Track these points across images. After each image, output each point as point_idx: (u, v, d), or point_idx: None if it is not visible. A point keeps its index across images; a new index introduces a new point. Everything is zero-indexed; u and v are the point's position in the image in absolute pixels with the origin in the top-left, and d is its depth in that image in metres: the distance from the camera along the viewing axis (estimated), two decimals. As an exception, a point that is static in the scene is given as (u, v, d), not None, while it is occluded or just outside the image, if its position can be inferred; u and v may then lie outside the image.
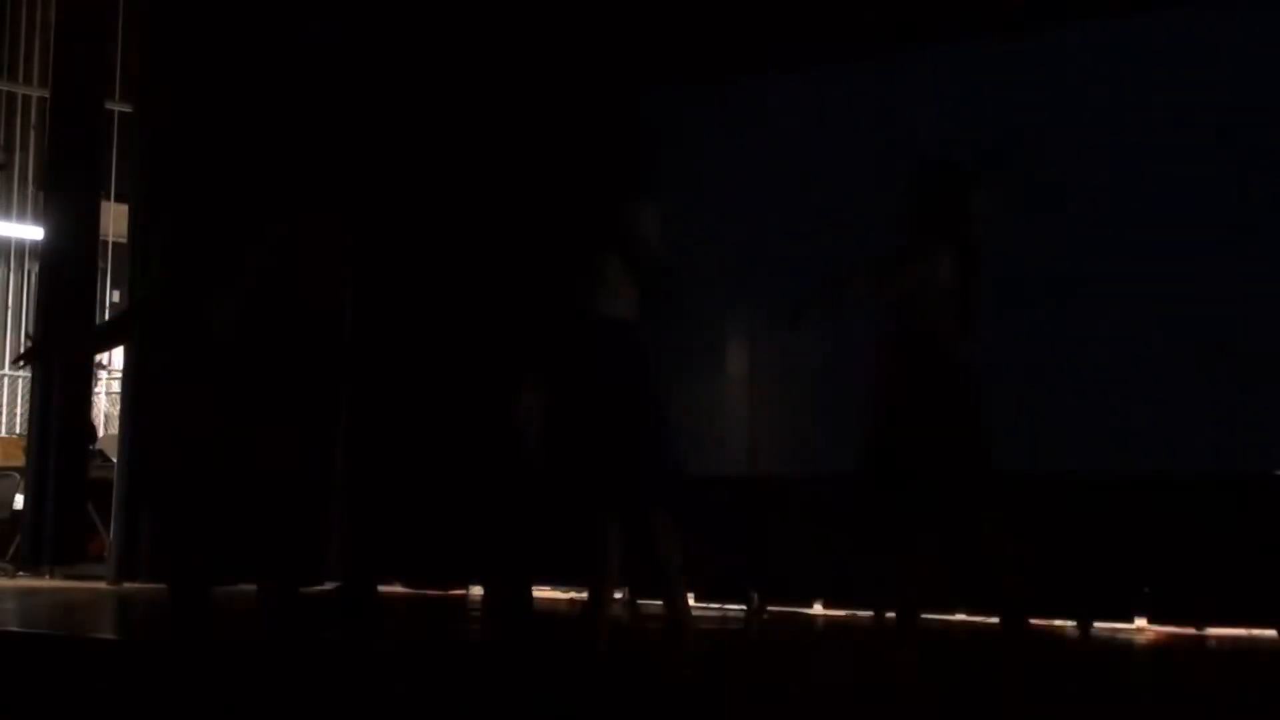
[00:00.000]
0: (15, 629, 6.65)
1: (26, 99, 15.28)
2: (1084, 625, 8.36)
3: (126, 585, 10.36)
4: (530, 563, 6.44)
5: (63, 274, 10.72)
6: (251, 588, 6.69)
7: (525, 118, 10.43)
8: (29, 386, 11.51)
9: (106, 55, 11.48)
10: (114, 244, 13.64)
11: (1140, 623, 8.44)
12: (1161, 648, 7.76)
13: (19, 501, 11.18)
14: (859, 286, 5.53)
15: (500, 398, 6.40)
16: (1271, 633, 8.05)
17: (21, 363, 6.99)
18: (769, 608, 9.35)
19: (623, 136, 5.25)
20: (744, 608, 9.33)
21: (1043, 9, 9.01)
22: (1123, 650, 7.57)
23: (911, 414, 5.56)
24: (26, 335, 7.16)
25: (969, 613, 8.56)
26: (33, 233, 14.17)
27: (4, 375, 15.07)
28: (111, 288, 14.54)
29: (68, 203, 10.81)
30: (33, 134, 15.13)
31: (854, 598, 9.30)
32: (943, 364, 5.66)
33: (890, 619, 6.12)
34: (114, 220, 12.85)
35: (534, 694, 4.94)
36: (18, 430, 13.95)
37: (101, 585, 10.40)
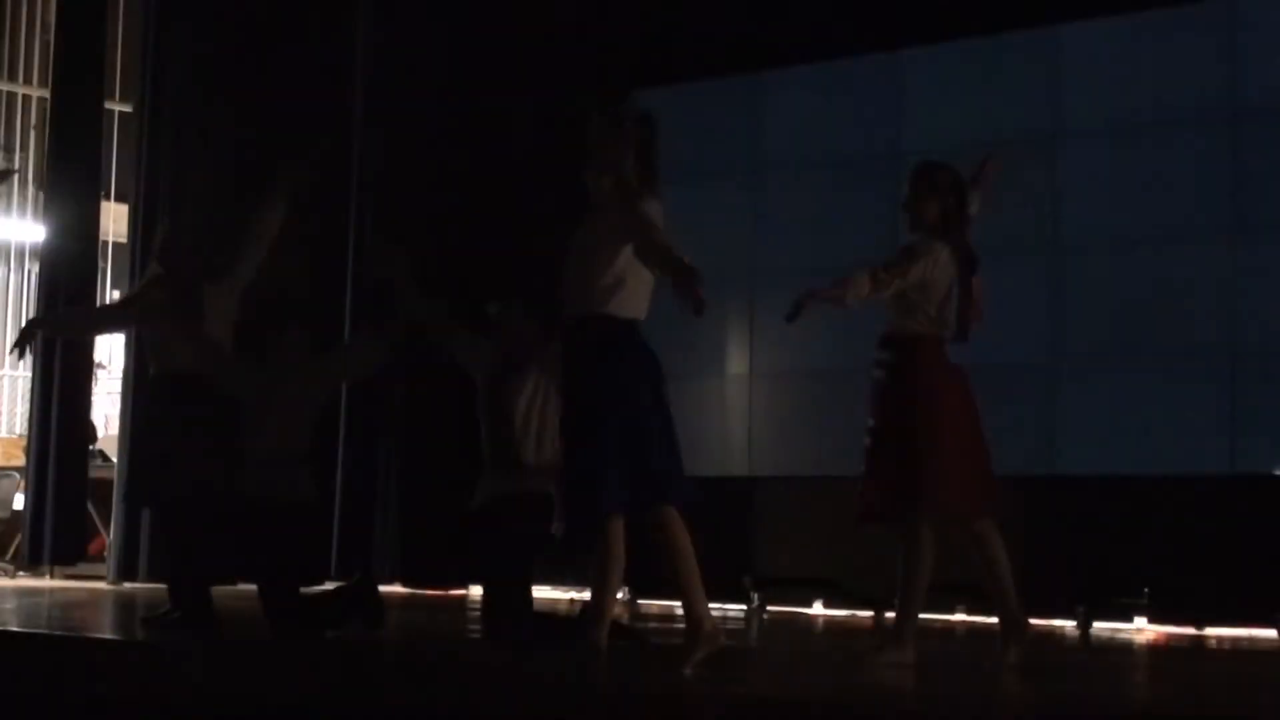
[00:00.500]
0: (15, 629, 6.64)
1: (26, 99, 15.26)
2: (1084, 625, 8.36)
3: (126, 585, 10.36)
4: (531, 563, 6.42)
5: (63, 274, 10.72)
6: (251, 588, 6.69)
7: (531, 116, 10.45)
8: (29, 386, 11.51)
9: (106, 55, 11.47)
10: (114, 244, 13.63)
11: (1140, 623, 8.44)
12: (1161, 648, 7.76)
13: (19, 501, 11.18)
14: (861, 285, 5.52)
15: (502, 397, 6.40)
16: (1271, 633, 8.05)
17: (16, 350, 6.96)
18: (769, 607, 9.35)
19: (626, 135, 5.22)
20: (744, 608, 9.34)
21: (1042, 8, 9.02)
22: (1123, 650, 7.57)
23: (905, 413, 5.55)
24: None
25: (969, 612, 8.57)
26: (33, 233, 14.16)
27: (4, 375, 15.07)
28: (111, 288, 14.53)
29: (68, 203, 10.81)
30: (33, 134, 15.12)
31: (854, 598, 9.31)
32: (939, 363, 5.66)
33: (890, 619, 6.12)
34: (114, 220, 12.84)
35: (534, 694, 4.94)
36: (18, 430, 13.94)
37: (101, 585, 10.40)
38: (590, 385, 5.12)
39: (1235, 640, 8.13)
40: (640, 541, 5.22)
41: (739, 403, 9.95)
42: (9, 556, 11.23)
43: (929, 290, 5.61)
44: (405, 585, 10.81)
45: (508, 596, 6.32)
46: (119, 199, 12.42)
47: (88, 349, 10.92)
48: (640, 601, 9.69)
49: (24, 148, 15.20)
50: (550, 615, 7.01)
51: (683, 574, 5.15)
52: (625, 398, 5.08)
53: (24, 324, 7.80)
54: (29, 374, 11.89)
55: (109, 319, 8.15)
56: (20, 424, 13.92)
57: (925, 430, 5.52)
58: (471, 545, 6.65)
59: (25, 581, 10.66)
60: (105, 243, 12.76)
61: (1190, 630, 8.34)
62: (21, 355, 6.98)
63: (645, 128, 5.23)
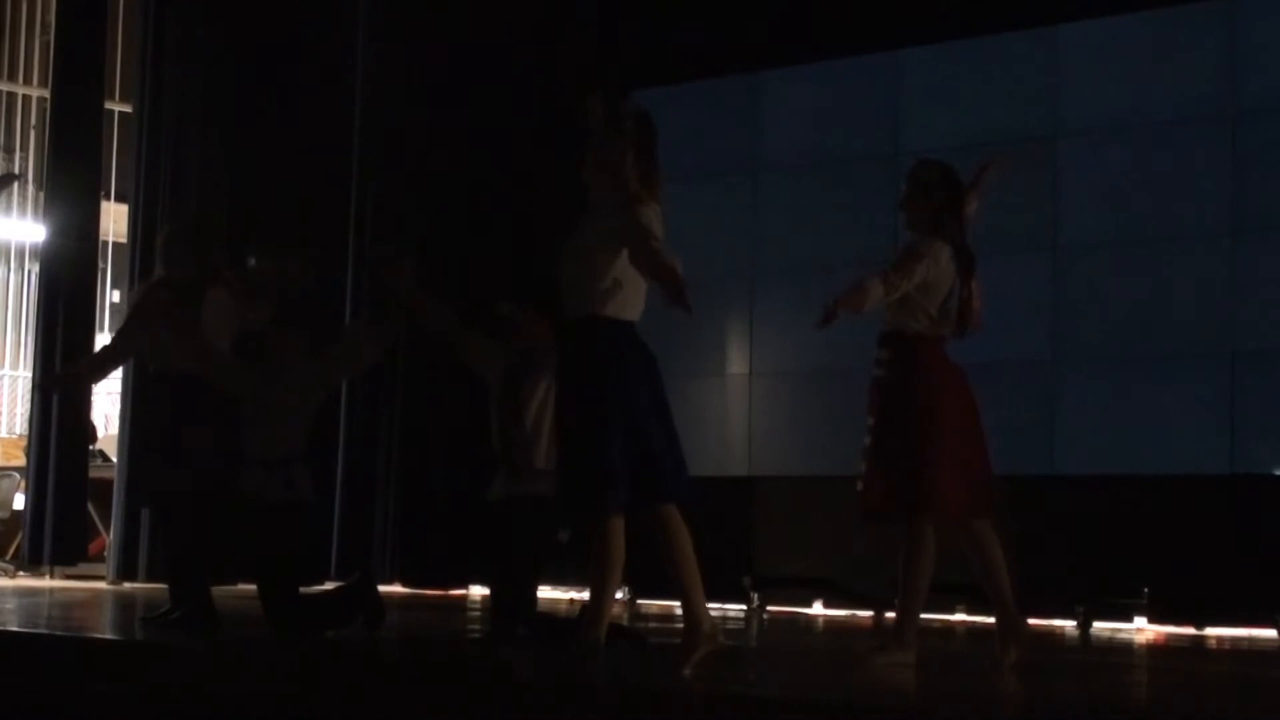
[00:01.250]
0: (15, 629, 6.64)
1: (26, 99, 15.28)
2: (1084, 625, 8.36)
3: (126, 585, 10.36)
4: (538, 565, 6.41)
5: (63, 274, 10.72)
6: (251, 588, 6.69)
7: (531, 115, 10.45)
8: (29, 386, 11.50)
9: (106, 55, 11.47)
10: (114, 244, 13.64)
11: (1140, 623, 8.44)
12: (1161, 648, 7.76)
13: (19, 501, 11.18)
14: (875, 292, 5.50)
15: (515, 398, 6.37)
16: (1271, 633, 8.05)
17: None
18: (769, 607, 9.35)
19: (626, 135, 5.22)
20: (744, 608, 9.34)
21: (1042, 8, 9.02)
22: (1123, 650, 7.57)
23: (906, 412, 5.54)
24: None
25: (969, 612, 8.57)
26: (33, 233, 14.17)
27: (4, 375, 15.08)
28: (111, 288, 14.54)
29: (68, 203, 10.81)
30: (33, 134, 15.13)
31: (854, 598, 9.31)
32: (939, 363, 5.65)
33: (890, 619, 6.12)
34: (114, 220, 12.84)
35: (534, 694, 4.94)
36: (18, 430, 13.95)
37: (101, 585, 10.41)
38: (590, 387, 5.12)
39: (1235, 640, 8.13)
40: (640, 541, 5.21)
41: (739, 403, 9.95)
42: (9, 556, 11.23)
43: (930, 290, 5.60)
44: (405, 585, 10.81)
45: (513, 597, 6.31)
46: (119, 199, 12.42)
47: (88, 349, 10.90)
48: (640, 601, 9.69)
49: (24, 148, 15.21)
50: (551, 616, 7.00)
51: (683, 574, 5.15)
52: (625, 398, 5.08)
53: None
54: (29, 374, 11.90)
55: (118, 352, 7.82)
56: (20, 424, 13.93)
57: (925, 430, 5.51)
58: (480, 544, 6.64)
59: (25, 581, 10.66)
60: (105, 243, 12.76)
61: (1190, 630, 8.34)
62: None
63: (645, 127, 5.23)
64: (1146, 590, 8.39)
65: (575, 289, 5.19)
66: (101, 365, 7.52)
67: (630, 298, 5.15)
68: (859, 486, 5.62)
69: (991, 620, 5.77)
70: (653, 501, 5.12)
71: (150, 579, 10.21)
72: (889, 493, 5.55)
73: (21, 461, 11.20)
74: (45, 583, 10.65)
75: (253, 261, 7.22)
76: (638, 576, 7.10)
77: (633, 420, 5.07)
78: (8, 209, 15.05)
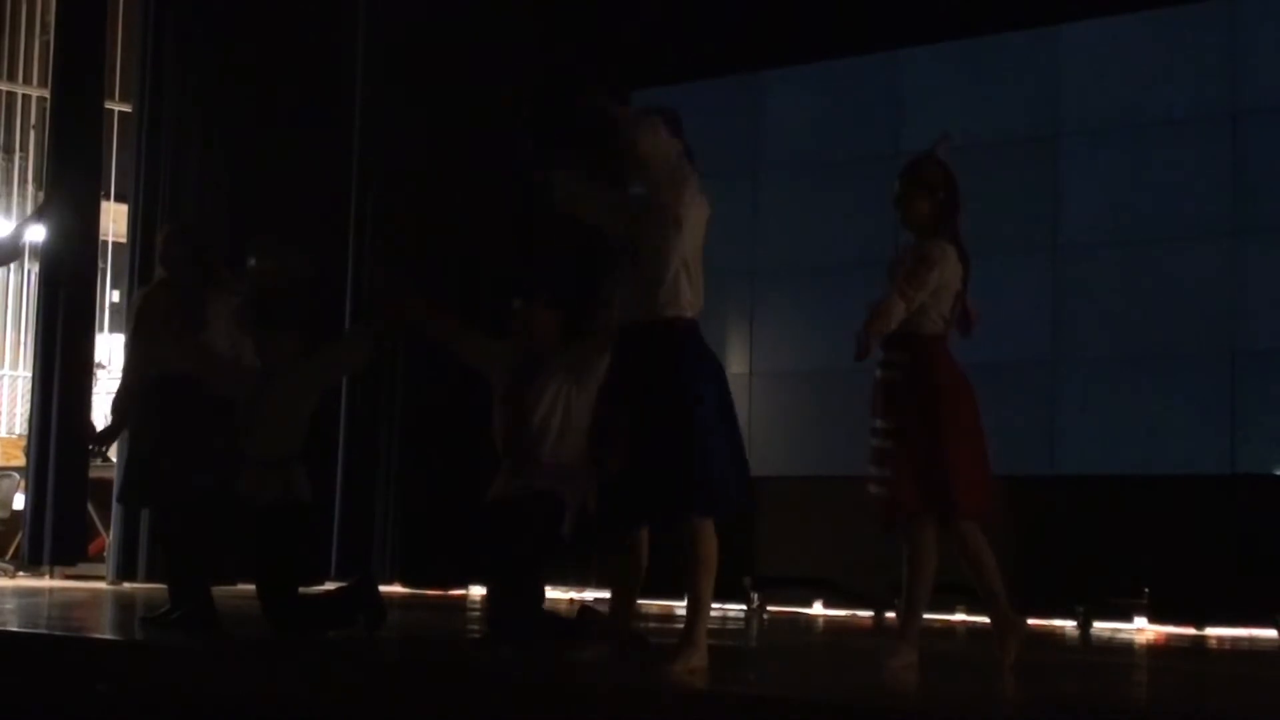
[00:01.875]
0: (15, 629, 6.64)
1: (26, 99, 15.28)
2: (1084, 625, 8.36)
3: (126, 585, 10.36)
4: (542, 562, 6.40)
5: (63, 274, 10.72)
6: (251, 588, 6.69)
7: (530, 115, 10.43)
8: (29, 386, 11.50)
9: (106, 55, 11.47)
10: (114, 244, 13.63)
11: (1140, 623, 8.44)
12: (1161, 648, 7.76)
13: (19, 501, 11.18)
14: (897, 309, 5.48)
15: (524, 395, 6.36)
16: (1271, 633, 8.05)
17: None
18: (769, 607, 9.35)
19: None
20: (744, 608, 9.33)
21: (1042, 8, 9.03)
22: (1123, 650, 7.57)
23: (928, 413, 5.52)
24: None
25: (969, 612, 8.57)
26: (33, 233, 14.16)
27: (4, 375, 15.07)
28: (111, 288, 14.54)
29: (68, 203, 10.81)
30: (33, 134, 15.13)
31: (854, 598, 9.31)
32: (951, 363, 5.64)
33: (891, 619, 6.11)
34: (114, 220, 12.84)
35: (534, 694, 4.94)
36: (18, 430, 13.95)
37: (101, 585, 10.41)
38: (657, 392, 5.07)
39: (1235, 640, 8.13)
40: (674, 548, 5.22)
41: (739, 403, 9.85)
42: (9, 556, 11.23)
43: (941, 292, 5.58)
44: (405, 585, 10.81)
45: (516, 595, 6.30)
46: (119, 199, 12.42)
47: (88, 349, 10.92)
48: (640, 601, 9.67)
49: (24, 148, 15.21)
50: (553, 615, 6.99)
51: (700, 587, 5.13)
52: (691, 405, 5.06)
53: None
54: (29, 374, 11.90)
55: (130, 382, 7.72)
56: (20, 424, 13.93)
57: (950, 430, 5.47)
58: (480, 543, 6.61)
59: (25, 581, 10.66)
60: (105, 243, 12.76)
61: (1190, 630, 8.34)
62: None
63: (671, 126, 5.24)
64: (1146, 590, 8.39)
65: (640, 292, 5.16)
66: (127, 392, 7.45)
67: (691, 293, 5.14)
68: (874, 489, 5.55)
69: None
70: (688, 514, 5.09)
71: (150, 579, 10.21)
72: (924, 494, 5.48)
73: (21, 461, 11.19)
74: (45, 583, 10.65)
75: (253, 261, 7.21)
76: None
77: (701, 427, 5.05)
78: (8, 209, 15.05)
